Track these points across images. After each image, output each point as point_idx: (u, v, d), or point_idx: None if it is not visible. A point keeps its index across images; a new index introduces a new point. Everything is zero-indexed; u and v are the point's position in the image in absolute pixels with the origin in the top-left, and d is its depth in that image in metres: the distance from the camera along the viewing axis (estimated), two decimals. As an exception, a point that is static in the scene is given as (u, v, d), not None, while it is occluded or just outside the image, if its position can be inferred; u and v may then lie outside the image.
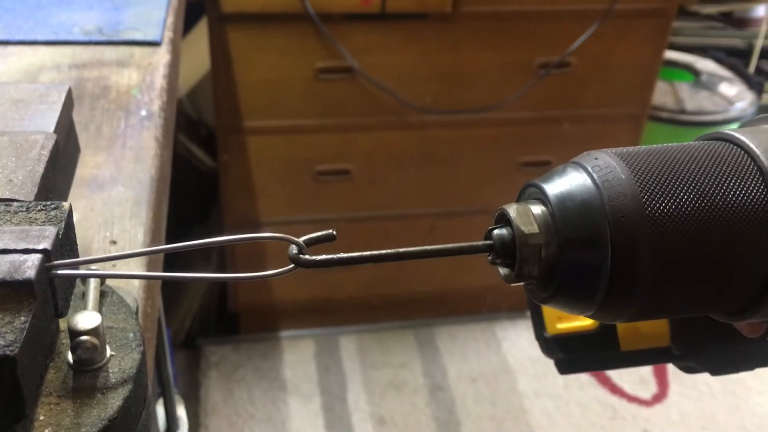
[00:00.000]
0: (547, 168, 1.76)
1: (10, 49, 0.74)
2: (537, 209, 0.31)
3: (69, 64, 0.72)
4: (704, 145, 0.32)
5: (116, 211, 0.55)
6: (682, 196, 0.30)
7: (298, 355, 1.82)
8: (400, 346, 1.86)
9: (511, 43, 1.57)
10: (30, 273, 0.25)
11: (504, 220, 0.32)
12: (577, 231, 0.30)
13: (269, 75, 1.52)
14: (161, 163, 0.63)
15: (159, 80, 0.72)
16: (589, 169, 0.31)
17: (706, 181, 0.30)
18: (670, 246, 0.29)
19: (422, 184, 1.71)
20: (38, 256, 0.26)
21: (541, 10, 1.54)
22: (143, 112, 0.67)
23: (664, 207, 0.29)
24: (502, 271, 0.33)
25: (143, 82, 0.71)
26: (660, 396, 1.75)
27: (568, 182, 0.31)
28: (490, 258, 0.32)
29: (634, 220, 0.29)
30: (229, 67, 1.51)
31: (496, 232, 0.32)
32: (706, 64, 2.06)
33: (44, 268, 0.26)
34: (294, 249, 0.30)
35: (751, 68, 2.14)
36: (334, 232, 0.31)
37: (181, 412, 0.76)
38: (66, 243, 0.29)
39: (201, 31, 1.69)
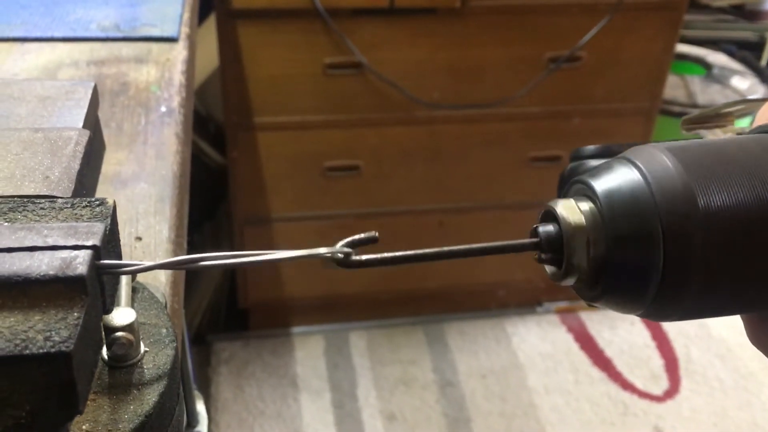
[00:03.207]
0: (557, 163, 1.77)
1: (28, 45, 0.74)
2: (584, 206, 0.30)
3: (87, 60, 0.72)
4: (755, 136, 0.31)
5: (140, 208, 0.55)
6: (738, 189, 0.28)
7: (307, 352, 1.82)
8: (410, 342, 1.86)
9: (520, 38, 1.57)
10: (82, 269, 0.25)
11: (550, 217, 0.31)
12: (626, 228, 0.29)
13: (278, 71, 1.52)
14: (182, 159, 0.62)
15: (177, 76, 0.71)
16: (639, 163, 0.30)
17: (760, 171, 0.29)
18: (726, 242, 0.28)
19: (431, 180, 1.70)
20: (88, 252, 0.26)
21: (550, 4, 1.54)
22: (163, 109, 0.66)
23: (719, 201, 0.28)
24: (549, 269, 0.32)
25: (162, 79, 0.71)
26: (671, 392, 1.75)
27: (617, 178, 0.30)
28: (536, 256, 0.32)
29: (687, 216, 0.28)
30: (237, 64, 1.50)
31: (542, 228, 0.31)
32: (717, 58, 2.05)
33: (94, 265, 0.26)
34: (340, 255, 0.30)
35: (763, 61, 2.13)
36: (377, 234, 0.31)
37: (200, 407, 0.76)
38: (112, 239, 0.29)
39: (209, 27, 1.68)
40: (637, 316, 0.31)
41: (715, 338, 1.89)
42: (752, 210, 0.28)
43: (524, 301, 1.97)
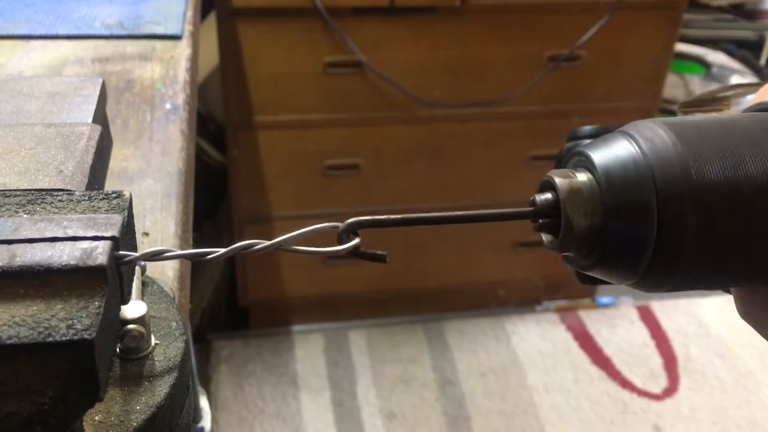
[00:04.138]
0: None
1: (33, 43, 0.74)
2: (582, 176, 0.31)
3: (92, 58, 0.72)
4: (751, 114, 0.32)
5: (147, 204, 0.55)
6: (732, 165, 0.29)
7: (307, 350, 1.82)
8: (409, 341, 1.86)
9: (520, 36, 1.57)
10: (102, 259, 0.26)
11: (548, 187, 0.32)
12: (623, 199, 0.30)
13: (278, 70, 1.52)
14: (187, 155, 0.63)
15: (182, 73, 0.72)
16: (636, 137, 0.30)
17: (755, 148, 0.30)
18: (719, 215, 0.29)
19: (431, 179, 1.71)
20: (108, 242, 0.26)
21: (550, 3, 1.54)
22: (168, 106, 0.67)
23: (713, 175, 0.29)
24: (546, 237, 0.33)
25: (166, 76, 0.71)
26: (671, 390, 1.76)
27: (615, 150, 0.31)
28: (535, 224, 0.33)
29: (682, 188, 0.29)
30: (238, 62, 1.51)
31: (540, 197, 0.32)
32: (716, 57, 2.06)
33: (114, 255, 0.27)
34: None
35: (763, 60, 2.13)
36: (386, 256, 0.32)
37: (204, 403, 0.76)
38: (128, 231, 0.29)
39: (209, 26, 1.69)
40: (630, 286, 0.32)
41: (714, 337, 1.90)
42: (745, 185, 0.29)
43: (524, 299, 1.97)
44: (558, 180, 0.31)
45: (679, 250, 0.29)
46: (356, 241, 0.30)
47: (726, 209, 0.29)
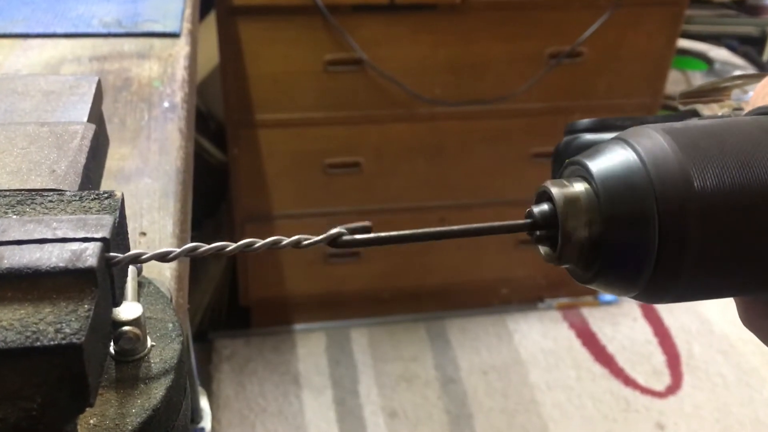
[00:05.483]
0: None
1: (31, 42, 0.73)
2: (580, 186, 0.30)
3: (90, 56, 0.72)
4: (753, 118, 0.31)
5: (144, 203, 0.55)
6: (734, 172, 0.28)
7: (309, 349, 1.82)
8: (411, 339, 1.86)
9: (521, 33, 1.56)
10: (92, 261, 0.25)
11: (545, 197, 0.31)
12: (622, 209, 0.29)
13: (278, 68, 1.52)
14: (186, 154, 0.62)
15: (180, 72, 0.71)
16: (635, 145, 0.29)
17: (758, 153, 0.29)
18: (721, 222, 0.28)
19: (432, 177, 1.70)
20: (98, 244, 0.26)
21: (551, -1, 1.54)
22: (166, 104, 0.66)
23: (715, 183, 0.28)
24: (544, 250, 0.32)
25: (165, 74, 0.70)
26: (673, 388, 1.75)
27: (613, 158, 0.30)
28: (532, 237, 0.32)
29: (683, 196, 0.28)
30: (238, 61, 1.50)
31: (537, 209, 0.31)
32: (719, 53, 2.05)
33: (104, 257, 0.26)
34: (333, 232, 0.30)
35: (765, 56, 2.12)
36: (370, 225, 0.31)
37: (204, 403, 0.76)
38: (120, 232, 0.29)
39: (209, 24, 1.68)
40: (631, 298, 0.31)
41: (717, 334, 1.89)
42: (747, 193, 0.28)
43: (526, 297, 1.97)
44: (555, 190, 0.30)
45: (680, 262, 0.28)
46: (337, 229, 0.29)
47: (728, 219, 0.28)
